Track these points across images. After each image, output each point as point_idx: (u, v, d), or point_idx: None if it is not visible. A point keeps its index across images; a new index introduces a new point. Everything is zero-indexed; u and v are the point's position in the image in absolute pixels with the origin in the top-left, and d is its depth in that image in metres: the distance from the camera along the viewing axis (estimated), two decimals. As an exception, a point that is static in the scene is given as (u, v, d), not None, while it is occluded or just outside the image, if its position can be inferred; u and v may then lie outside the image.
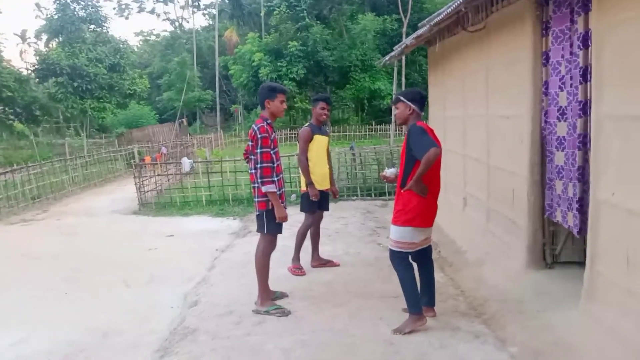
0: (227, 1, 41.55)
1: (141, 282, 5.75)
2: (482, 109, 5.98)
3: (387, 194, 10.01)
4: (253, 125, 4.19)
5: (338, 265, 5.68)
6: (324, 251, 6.01)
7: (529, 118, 4.72)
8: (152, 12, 58.84)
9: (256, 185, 4.19)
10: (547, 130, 4.59)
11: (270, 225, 4.25)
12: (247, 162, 4.31)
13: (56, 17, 26.74)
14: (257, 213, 4.27)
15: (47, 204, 11.93)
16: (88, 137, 26.60)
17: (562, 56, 4.27)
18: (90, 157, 16.43)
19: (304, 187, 5.49)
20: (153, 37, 51.76)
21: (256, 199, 4.23)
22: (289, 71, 29.02)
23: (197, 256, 6.71)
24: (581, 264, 4.81)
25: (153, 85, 41.07)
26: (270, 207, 4.18)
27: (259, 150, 4.08)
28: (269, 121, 4.25)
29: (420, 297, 4.13)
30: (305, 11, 29.53)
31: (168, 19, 58.09)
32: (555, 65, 4.38)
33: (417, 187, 3.83)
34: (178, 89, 37.76)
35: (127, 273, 6.06)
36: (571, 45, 4.11)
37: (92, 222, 9.69)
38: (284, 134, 29.61)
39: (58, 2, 26.89)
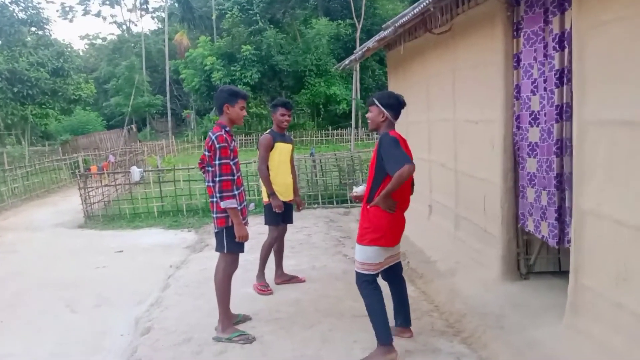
0: (177, 4, 40.50)
1: (88, 306, 5.23)
2: (448, 113, 5.80)
3: (349, 202, 9.74)
4: (210, 134, 3.80)
5: (304, 281, 5.33)
6: (288, 265, 5.67)
7: (500, 123, 4.55)
8: (97, 15, 57.14)
9: (214, 199, 3.80)
10: (519, 136, 4.43)
11: (231, 244, 3.85)
12: (203, 173, 3.92)
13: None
14: (216, 230, 3.87)
15: (-18, 219, 11.01)
16: (30, 145, 25.16)
17: (535, 58, 4.11)
18: (31, 166, 15.41)
19: (266, 198, 5.13)
20: (99, 41, 49.92)
21: (215, 215, 3.83)
22: (243, 75, 28.50)
23: (149, 274, 6.21)
24: (556, 273, 4.70)
25: (100, 91, 39.51)
26: (230, 223, 3.80)
27: (217, 162, 3.70)
28: (227, 129, 3.87)
29: (395, 317, 3.85)
30: (258, 15, 29.13)
31: (115, 22, 56.46)
32: (527, 68, 4.21)
33: (385, 203, 3.49)
34: (126, 94, 36.44)
35: (72, 295, 5.51)
36: (545, 47, 3.95)
37: (33, 237, 8.95)
38: (239, 140, 29.01)
39: (-6, 2, 25.36)
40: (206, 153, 3.79)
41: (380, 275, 3.74)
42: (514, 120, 4.46)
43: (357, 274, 3.66)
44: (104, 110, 39.81)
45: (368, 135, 29.52)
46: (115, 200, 10.82)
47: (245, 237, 3.84)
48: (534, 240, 4.66)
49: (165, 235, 8.61)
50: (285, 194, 5.16)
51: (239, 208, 3.83)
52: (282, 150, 5.13)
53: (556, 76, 3.78)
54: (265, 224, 5.24)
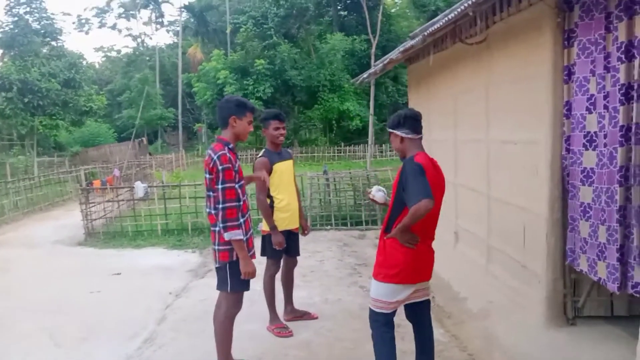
0: (192, 18, 40.56)
1: (74, 338, 4.68)
2: (480, 132, 5.21)
3: (364, 223, 9.14)
4: (210, 152, 3.24)
5: (316, 317, 4.73)
6: (298, 297, 5.07)
7: (546, 145, 3.95)
8: (113, 27, 57.73)
9: (217, 229, 3.24)
10: (570, 160, 3.83)
11: (235, 282, 3.28)
12: (207, 200, 3.35)
13: (7, 29, 25.12)
14: (218, 265, 3.30)
15: (-20, 233, 10.56)
16: (38, 156, 24.89)
17: (592, 71, 3.52)
18: (35, 178, 15.00)
19: (265, 227, 4.50)
20: (114, 54, 50.16)
21: (216, 247, 3.27)
22: (256, 90, 28.17)
23: (146, 301, 5.66)
24: (608, 319, 4.06)
25: (114, 103, 39.49)
26: (234, 258, 3.24)
27: (220, 186, 3.15)
28: (230, 146, 3.32)
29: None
30: (272, 29, 28.88)
31: (130, 35, 56.67)
32: (581, 82, 3.63)
33: (403, 237, 3.01)
34: (139, 106, 36.36)
35: (58, 324, 4.99)
36: (606, 58, 3.37)
37: (29, 255, 8.46)
38: (249, 155, 28.58)
39: (10, 12, 25.30)
40: (207, 175, 3.24)
41: (405, 314, 3.20)
42: (563, 142, 3.87)
43: (370, 311, 3.21)
44: (117, 122, 39.75)
45: (381, 152, 28.98)
46: (118, 217, 10.31)
47: (252, 274, 3.27)
48: (583, 279, 4.04)
49: (168, 256, 8.07)
50: (291, 221, 4.56)
51: (244, 239, 3.26)
52: (282, 172, 4.46)
53: (621, 92, 3.19)
54: (262, 254, 4.53)
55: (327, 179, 9.84)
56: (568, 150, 3.84)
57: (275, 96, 29.47)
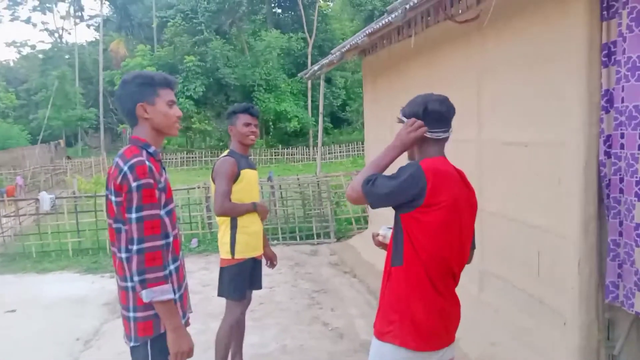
0: (114, 12, 37.87)
1: None
2: (469, 131, 4.27)
3: (314, 237, 8.04)
4: (118, 161, 2.00)
5: (275, 377, 3.58)
6: (248, 345, 3.87)
7: (576, 147, 3.04)
8: (27, 21, 53.01)
9: (129, 284, 2.01)
10: (610, 167, 2.93)
11: (162, 367, 2.06)
12: (110, 236, 2.10)
13: None
14: (133, 344, 2.06)
15: None
16: None
17: (650, 49, 2.64)
18: None
19: (225, 255, 3.36)
20: (28, 49, 46.11)
21: (131, 315, 2.03)
22: (186, 88, 26.46)
23: (46, 354, 4.31)
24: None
25: (31, 103, 36.16)
26: (161, 330, 2.02)
27: (134, 215, 1.93)
28: (151, 149, 2.11)
29: None
30: (203, 24, 27.29)
31: (47, 29, 52.32)
32: (633, 64, 2.73)
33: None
34: (58, 106, 33.35)
35: None
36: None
37: None
38: (180, 158, 26.77)
39: None
40: (111, 197, 2.00)
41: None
42: (602, 144, 2.96)
43: None
44: (32, 123, 36.38)
45: (330, 154, 28.08)
46: (19, 235, 8.62)
47: (189, 352, 2.05)
48: (619, 318, 3.17)
49: (80, 283, 6.63)
50: (257, 246, 3.45)
51: (176, 298, 2.06)
52: (250, 180, 3.41)
53: None
54: (220, 294, 3.40)
55: (272, 187, 8.66)
56: (608, 154, 2.94)
57: (208, 95, 27.84)
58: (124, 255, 2.00)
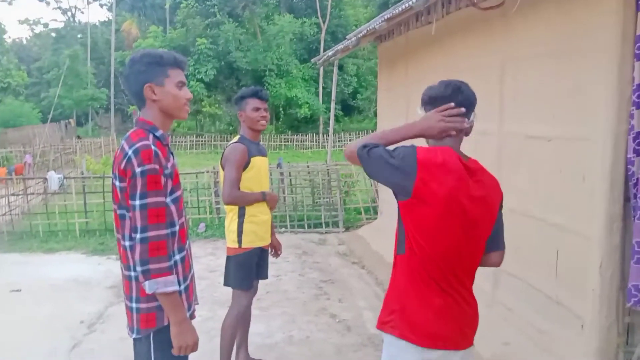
0: (128, -9, 37.77)
1: None
2: (490, 123, 4.12)
3: (323, 225, 7.94)
4: (124, 144, 1.90)
5: (280, 370, 3.50)
6: (253, 334, 3.80)
7: (604, 144, 2.90)
8: (40, -1, 52.96)
9: (133, 274, 1.92)
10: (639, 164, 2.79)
11: (165, 361, 1.97)
12: (116, 223, 2.01)
13: None
14: (136, 336, 1.97)
15: None
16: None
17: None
18: None
19: (231, 244, 3.26)
20: (40, 27, 46.13)
21: (133, 305, 1.94)
22: (197, 71, 26.30)
23: (49, 336, 4.26)
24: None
25: (43, 82, 36.18)
26: (164, 322, 1.93)
27: (138, 202, 1.83)
28: (158, 133, 1.99)
29: None
30: (216, 7, 27.05)
31: (60, 7, 52.26)
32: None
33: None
34: (69, 85, 33.30)
35: None
36: None
37: None
38: (189, 141, 26.68)
39: None
40: (116, 182, 1.90)
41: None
42: (631, 141, 2.82)
43: None
44: (43, 102, 36.48)
45: (340, 141, 27.88)
46: (27, 214, 8.59)
47: (192, 347, 1.97)
48: (638, 322, 3.05)
49: (86, 265, 6.58)
50: (265, 236, 3.34)
51: (181, 289, 1.97)
52: (260, 168, 3.29)
53: None
54: (227, 284, 3.31)
55: (282, 173, 8.55)
56: (638, 152, 2.80)
57: (219, 79, 27.67)
58: (127, 243, 1.91)
